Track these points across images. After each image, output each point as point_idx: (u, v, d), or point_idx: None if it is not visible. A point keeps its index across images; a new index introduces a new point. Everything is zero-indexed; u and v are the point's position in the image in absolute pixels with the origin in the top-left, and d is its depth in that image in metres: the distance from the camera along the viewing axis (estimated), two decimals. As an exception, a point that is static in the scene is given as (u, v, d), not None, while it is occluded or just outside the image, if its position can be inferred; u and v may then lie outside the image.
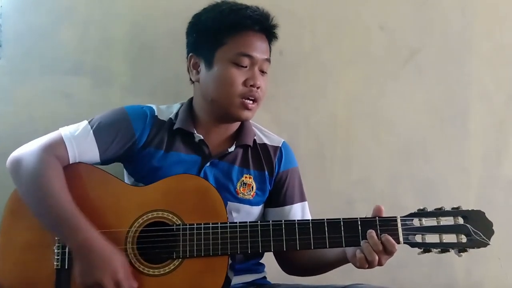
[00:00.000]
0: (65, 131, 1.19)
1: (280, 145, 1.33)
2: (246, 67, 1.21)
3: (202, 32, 1.25)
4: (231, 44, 1.21)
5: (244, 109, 1.22)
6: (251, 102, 1.22)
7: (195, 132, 1.25)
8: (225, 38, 1.21)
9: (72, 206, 1.09)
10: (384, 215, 1.10)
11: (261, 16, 1.24)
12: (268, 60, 1.26)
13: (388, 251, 1.06)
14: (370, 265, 1.07)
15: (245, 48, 1.21)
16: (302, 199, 1.34)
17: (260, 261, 1.35)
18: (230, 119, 1.27)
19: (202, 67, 1.25)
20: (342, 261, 1.16)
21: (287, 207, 1.30)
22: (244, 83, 1.21)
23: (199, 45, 1.26)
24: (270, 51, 1.29)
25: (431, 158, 1.64)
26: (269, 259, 1.35)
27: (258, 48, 1.23)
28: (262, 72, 1.24)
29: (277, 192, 1.31)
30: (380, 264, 1.07)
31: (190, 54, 1.28)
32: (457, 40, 1.66)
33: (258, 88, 1.21)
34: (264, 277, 1.35)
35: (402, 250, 1.08)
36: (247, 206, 1.26)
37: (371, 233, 1.07)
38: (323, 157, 1.61)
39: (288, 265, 1.32)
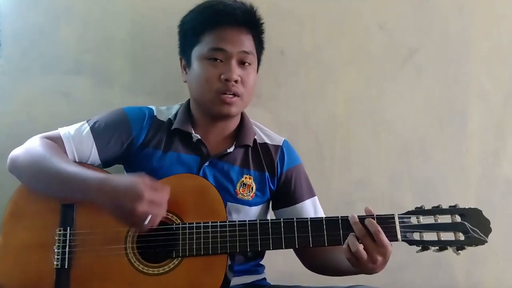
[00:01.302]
0: (63, 131, 1.20)
1: (281, 144, 1.32)
2: (221, 61, 1.20)
3: (183, 33, 1.27)
4: (205, 41, 1.21)
5: (223, 104, 1.20)
6: (230, 96, 1.20)
7: (193, 132, 1.25)
8: (200, 37, 1.22)
9: (77, 165, 1.10)
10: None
11: (234, 9, 1.22)
12: (247, 52, 1.23)
13: (373, 237, 1.03)
14: (359, 258, 1.03)
15: (217, 42, 1.20)
16: (311, 194, 1.33)
17: (260, 263, 1.35)
18: (216, 116, 1.25)
19: (187, 68, 1.26)
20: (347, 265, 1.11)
21: (298, 205, 1.30)
22: (220, 78, 1.20)
23: (183, 47, 1.28)
24: (255, 43, 1.26)
25: (430, 158, 1.64)
26: (269, 261, 1.35)
27: (232, 41, 1.21)
28: (244, 64, 1.23)
29: (286, 192, 1.30)
30: (371, 258, 1.03)
31: (180, 56, 1.30)
32: (456, 40, 1.66)
33: (236, 82, 1.20)
34: (264, 279, 1.35)
35: (402, 252, 1.08)
36: (245, 207, 1.26)
37: (354, 218, 1.06)
38: (323, 157, 1.62)
39: (308, 263, 1.30)
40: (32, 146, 1.14)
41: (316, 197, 1.34)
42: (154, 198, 1.03)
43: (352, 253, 1.04)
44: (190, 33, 1.24)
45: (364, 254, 1.03)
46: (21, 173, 1.14)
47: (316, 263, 1.27)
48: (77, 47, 1.54)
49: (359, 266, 1.05)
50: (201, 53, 1.21)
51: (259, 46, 1.29)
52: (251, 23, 1.25)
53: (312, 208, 1.31)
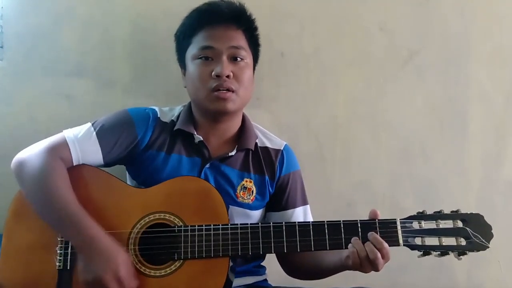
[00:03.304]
0: (68, 134, 1.19)
1: (281, 148, 1.32)
2: (212, 59, 1.22)
3: (177, 40, 1.31)
4: (195, 41, 1.24)
5: (218, 100, 1.20)
6: (224, 92, 1.20)
7: (195, 133, 1.25)
8: (190, 39, 1.25)
9: (76, 206, 1.09)
10: (384, 217, 1.10)
11: (221, 8, 1.24)
12: (237, 47, 1.23)
13: (380, 250, 1.05)
14: (364, 262, 1.06)
15: (206, 40, 1.22)
16: (304, 202, 1.33)
17: (261, 264, 1.35)
18: (215, 115, 1.25)
19: (185, 72, 1.29)
20: (339, 265, 1.14)
21: (289, 211, 1.30)
22: (212, 75, 1.20)
23: (179, 53, 1.31)
24: (247, 39, 1.27)
25: (430, 160, 1.65)
26: (270, 262, 1.35)
27: (220, 37, 1.22)
28: (236, 60, 1.23)
29: (279, 196, 1.30)
30: (375, 266, 1.05)
31: (179, 63, 1.32)
32: (456, 41, 1.66)
33: (228, 77, 1.20)
34: (265, 280, 1.35)
35: (403, 254, 1.08)
36: (246, 210, 1.26)
37: (356, 240, 1.08)
38: (323, 158, 1.62)
39: (290, 267, 1.31)
40: (40, 163, 1.12)
41: (308, 206, 1.34)
42: (124, 281, 1.04)
43: (360, 257, 1.05)
44: (182, 37, 1.28)
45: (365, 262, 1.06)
46: (23, 184, 1.14)
47: (299, 266, 1.27)
48: (79, 49, 1.54)
49: (362, 268, 1.07)
50: (193, 53, 1.24)
51: (253, 42, 1.30)
52: (240, 19, 1.26)
53: (302, 216, 1.31)
